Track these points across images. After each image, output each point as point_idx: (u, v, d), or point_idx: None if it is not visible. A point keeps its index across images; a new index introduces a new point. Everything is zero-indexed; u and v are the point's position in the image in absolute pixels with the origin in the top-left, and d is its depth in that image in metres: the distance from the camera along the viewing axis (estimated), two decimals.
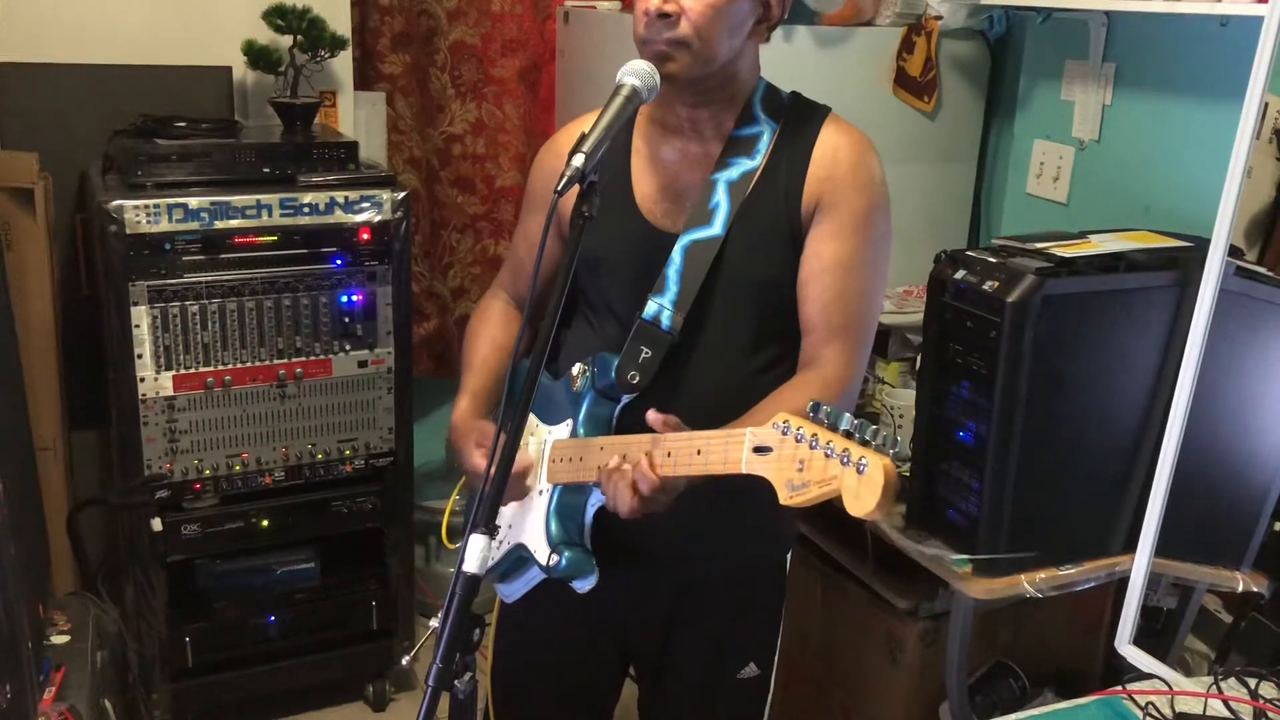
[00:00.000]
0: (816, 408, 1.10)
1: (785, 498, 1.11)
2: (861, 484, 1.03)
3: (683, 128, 1.52)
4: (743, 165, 1.49)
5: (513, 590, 1.57)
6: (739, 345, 1.51)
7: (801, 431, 1.10)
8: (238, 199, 2.29)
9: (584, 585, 1.43)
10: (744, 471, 1.18)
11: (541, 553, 1.43)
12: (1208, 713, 1.46)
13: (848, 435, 1.07)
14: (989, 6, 2.57)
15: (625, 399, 1.48)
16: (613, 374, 1.47)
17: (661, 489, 1.29)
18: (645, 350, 1.47)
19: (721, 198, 1.48)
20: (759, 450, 1.16)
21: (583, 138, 1.26)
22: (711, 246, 1.47)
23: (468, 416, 1.56)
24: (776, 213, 1.48)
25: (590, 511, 1.45)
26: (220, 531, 2.43)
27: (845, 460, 1.05)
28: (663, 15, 1.37)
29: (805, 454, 1.09)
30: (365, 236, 2.41)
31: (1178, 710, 1.47)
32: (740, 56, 1.48)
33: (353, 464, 2.53)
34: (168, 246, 2.24)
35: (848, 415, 1.07)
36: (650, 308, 1.48)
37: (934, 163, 2.72)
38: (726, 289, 1.48)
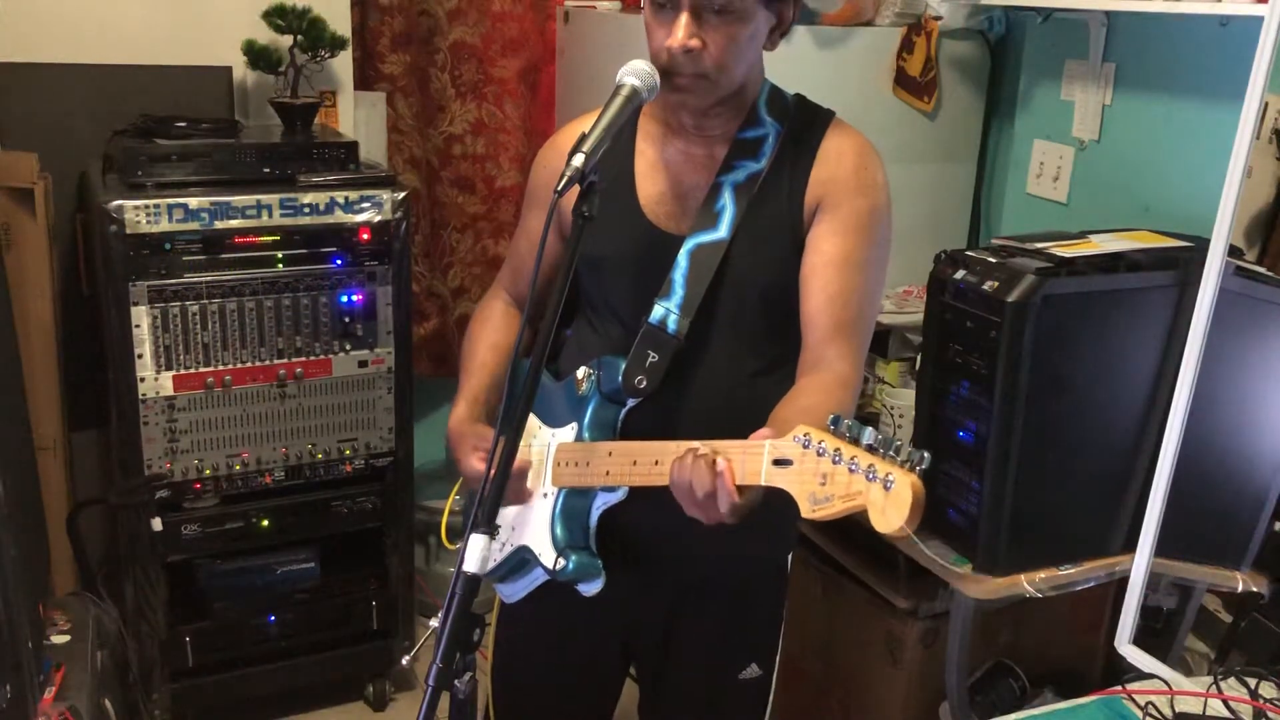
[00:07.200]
0: (837, 421, 1.09)
1: (808, 511, 1.10)
2: (889, 501, 1.03)
3: (687, 130, 1.52)
4: (748, 168, 1.49)
5: (514, 591, 1.57)
6: (744, 349, 1.51)
7: (824, 445, 1.09)
8: (238, 199, 2.28)
9: (590, 589, 1.43)
10: (763, 484, 1.16)
11: (548, 556, 1.43)
12: (1208, 713, 1.46)
13: (871, 450, 1.06)
14: (989, 6, 2.57)
15: (631, 403, 1.47)
16: (619, 379, 1.46)
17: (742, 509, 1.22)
18: (652, 355, 1.46)
19: (727, 201, 1.48)
20: (779, 463, 1.14)
21: (583, 137, 1.25)
22: (717, 250, 1.46)
23: (465, 421, 1.55)
24: (781, 216, 1.48)
25: (595, 515, 1.45)
26: (220, 531, 2.43)
27: (871, 476, 1.04)
28: (687, 51, 1.37)
29: (828, 468, 1.08)
30: (365, 236, 2.41)
31: (1178, 710, 1.46)
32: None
33: (353, 464, 2.53)
34: (168, 246, 2.24)
35: (870, 430, 1.06)
36: (657, 312, 1.47)
37: (934, 163, 2.71)
38: (732, 293, 1.48)
